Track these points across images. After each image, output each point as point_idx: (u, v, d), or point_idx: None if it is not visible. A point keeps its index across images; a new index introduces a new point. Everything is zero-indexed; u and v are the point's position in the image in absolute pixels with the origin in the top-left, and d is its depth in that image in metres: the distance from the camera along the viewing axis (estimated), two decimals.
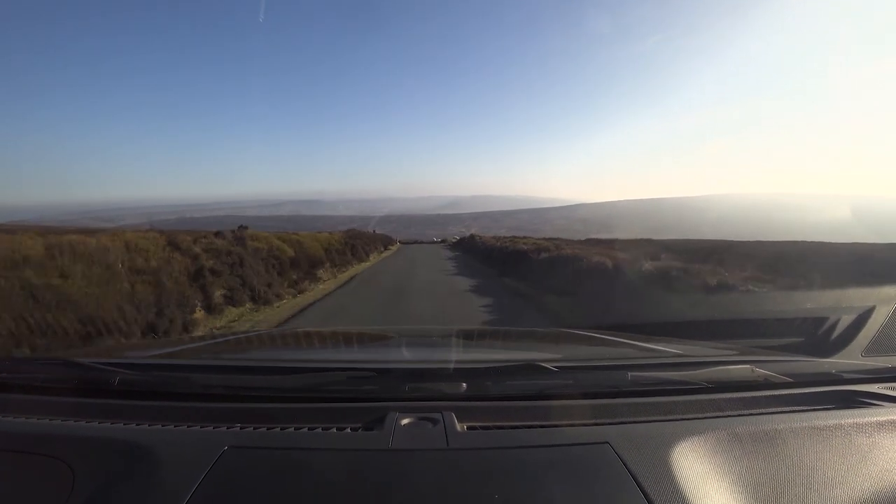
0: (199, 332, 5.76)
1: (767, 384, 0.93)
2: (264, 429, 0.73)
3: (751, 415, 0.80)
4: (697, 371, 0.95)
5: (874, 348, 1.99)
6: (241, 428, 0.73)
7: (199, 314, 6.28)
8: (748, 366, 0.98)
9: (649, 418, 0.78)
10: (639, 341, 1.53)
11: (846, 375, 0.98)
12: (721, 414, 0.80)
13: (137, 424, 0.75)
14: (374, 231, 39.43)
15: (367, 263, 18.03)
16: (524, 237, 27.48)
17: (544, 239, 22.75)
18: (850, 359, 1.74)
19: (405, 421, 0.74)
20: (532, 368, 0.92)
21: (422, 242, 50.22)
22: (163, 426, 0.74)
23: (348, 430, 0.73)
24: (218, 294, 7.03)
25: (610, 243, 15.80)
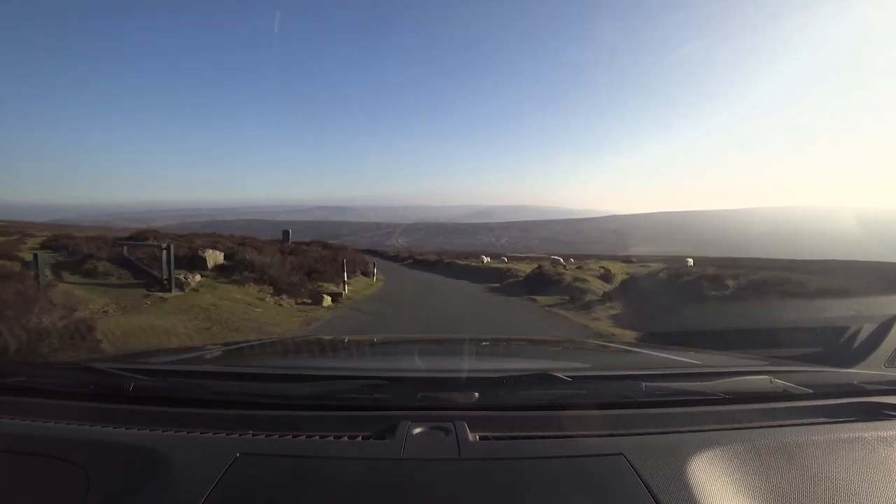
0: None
1: (787, 395, 0.90)
2: (276, 436, 0.73)
3: (770, 427, 0.78)
4: (714, 381, 0.93)
5: None
6: (253, 435, 0.73)
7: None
8: (766, 376, 0.95)
9: (664, 429, 0.76)
10: (654, 351, 1.54)
11: (869, 387, 0.94)
12: (739, 426, 0.78)
13: (151, 430, 0.75)
14: (295, 241, 20.91)
15: None
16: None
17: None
18: (872, 369, 1.66)
19: (417, 430, 0.73)
20: (545, 378, 0.90)
21: (448, 272, 22.83)
22: (176, 432, 0.75)
23: (360, 438, 0.72)
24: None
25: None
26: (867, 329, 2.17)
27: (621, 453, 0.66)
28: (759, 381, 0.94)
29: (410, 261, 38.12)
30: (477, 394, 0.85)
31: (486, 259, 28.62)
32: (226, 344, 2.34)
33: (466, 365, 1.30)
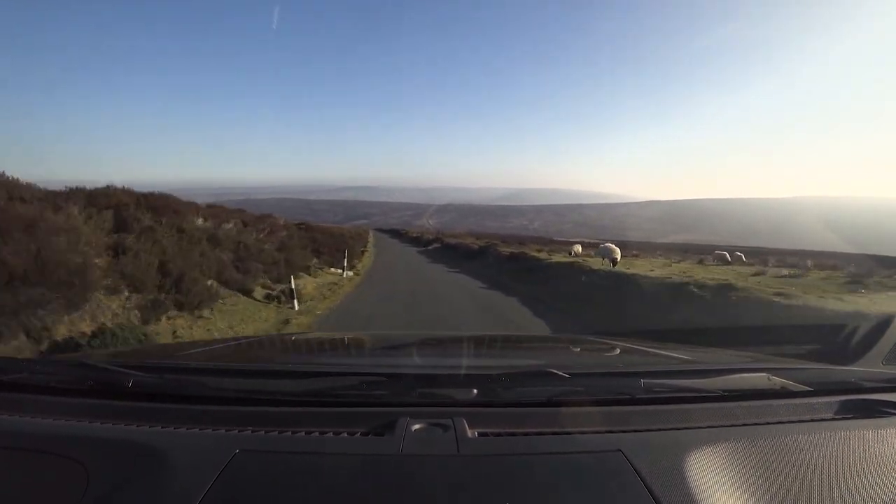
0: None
1: (785, 393, 0.91)
2: (275, 432, 0.74)
3: (767, 424, 0.79)
4: (712, 379, 0.95)
5: None
6: (252, 431, 0.74)
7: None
8: (764, 374, 0.96)
9: (662, 426, 0.77)
10: (652, 348, 1.52)
11: (867, 384, 0.95)
12: (736, 423, 0.79)
13: (150, 426, 0.76)
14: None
15: None
16: None
17: None
18: (870, 367, 1.58)
19: (416, 426, 0.73)
20: (544, 375, 0.91)
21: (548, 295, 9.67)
22: (175, 429, 0.75)
23: (359, 434, 0.73)
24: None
25: None
26: (865, 327, 2.10)
27: (619, 450, 0.67)
28: (758, 379, 0.95)
29: (437, 245, 27.38)
30: (475, 390, 0.85)
31: (577, 249, 17.07)
32: (224, 340, 2.39)
33: (465, 361, 1.31)
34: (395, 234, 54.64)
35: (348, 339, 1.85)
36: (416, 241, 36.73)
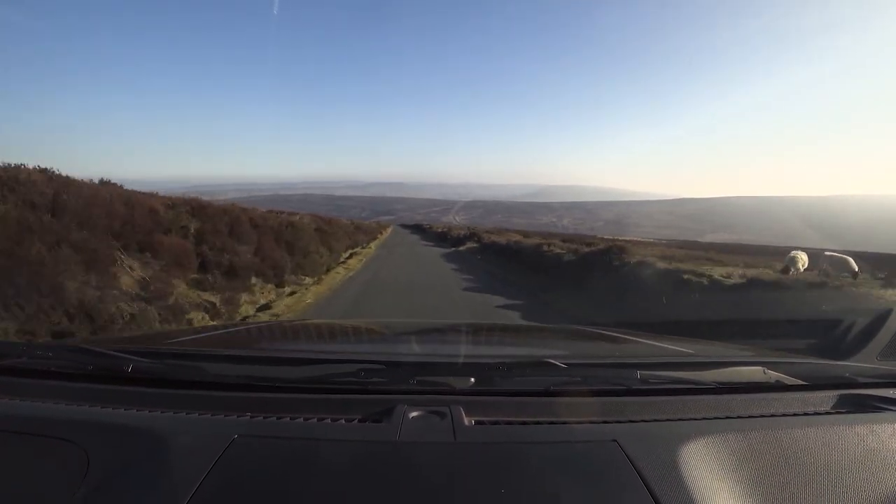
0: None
1: (779, 386, 0.92)
2: (273, 418, 0.74)
3: (762, 417, 0.79)
4: (708, 371, 0.96)
5: (890, 351, 1.84)
6: (250, 417, 0.74)
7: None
8: (760, 367, 0.97)
9: (658, 417, 0.78)
10: (649, 340, 1.55)
11: (861, 379, 0.96)
12: (731, 415, 0.79)
13: (150, 411, 0.77)
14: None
15: None
16: None
17: None
18: (865, 362, 1.58)
19: (413, 414, 0.74)
20: (541, 365, 0.92)
21: None
22: (174, 414, 0.76)
23: (356, 421, 0.74)
24: None
25: None
26: (861, 322, 2.07)
27: (615, 440, 0.68)
28: (753, 372, 0.95)
29: (473, 245, 18.79)
30: (473, 379, 0.86)
31: (804, 259, 8.41)
32: (224, 326, 2.43)
33: (463, 350, 1.33)
34: (419, 229, 53.83)
35: (347, 326, 1.88)
36: (442, 238, 29.56)
